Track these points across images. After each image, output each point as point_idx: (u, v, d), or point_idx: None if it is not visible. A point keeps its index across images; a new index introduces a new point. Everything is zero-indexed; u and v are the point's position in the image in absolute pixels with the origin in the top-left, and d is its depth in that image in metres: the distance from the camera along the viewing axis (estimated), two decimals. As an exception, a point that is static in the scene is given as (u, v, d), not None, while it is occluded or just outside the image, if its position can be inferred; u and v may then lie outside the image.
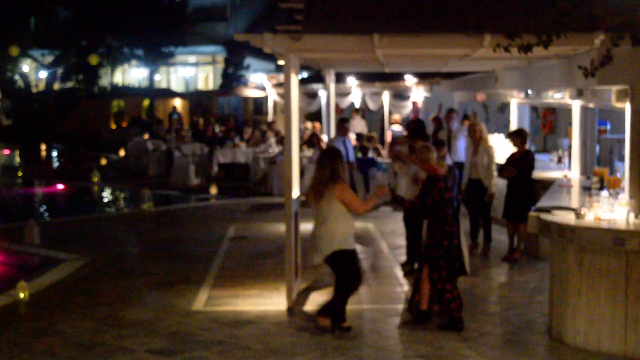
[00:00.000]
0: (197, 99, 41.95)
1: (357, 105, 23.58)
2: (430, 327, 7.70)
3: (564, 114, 15.35)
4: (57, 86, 37.76)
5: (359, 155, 15.87)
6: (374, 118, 26.36)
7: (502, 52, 7.40)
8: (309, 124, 21.56)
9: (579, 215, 7.23)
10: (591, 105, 10.58)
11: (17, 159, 30.90)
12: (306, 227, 12.95)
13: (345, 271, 7.63)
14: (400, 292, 9.10)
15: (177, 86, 47.96)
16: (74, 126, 38.81)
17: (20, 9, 33.97)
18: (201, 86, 48.06)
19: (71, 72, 36.12)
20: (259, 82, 36.13)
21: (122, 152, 28.80)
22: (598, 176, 8.92)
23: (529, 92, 13.10)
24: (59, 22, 38.59)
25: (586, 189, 9.24)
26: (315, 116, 26.31)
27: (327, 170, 7.61)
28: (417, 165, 8.49)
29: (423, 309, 7.84)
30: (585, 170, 11.36)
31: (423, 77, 17.94)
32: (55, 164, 30.16)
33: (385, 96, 21.94)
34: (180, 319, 8.12)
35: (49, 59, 37.26)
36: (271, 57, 12.07)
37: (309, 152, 17.45)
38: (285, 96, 8.68)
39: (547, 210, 7.68)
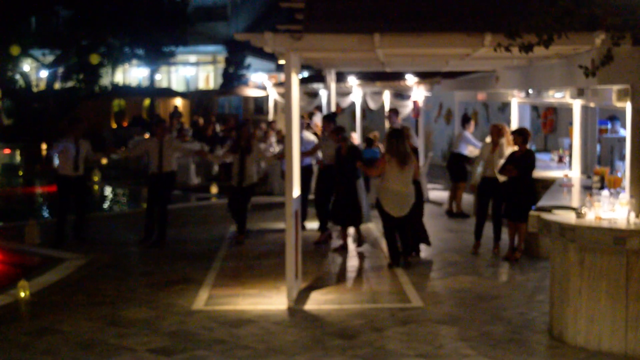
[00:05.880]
0: (197, 98, 41.94)
1: (358, 104, 23.57)
2: (429, 325, 7.73)
3: (564, 113, 15.34)
4: (57, 86, 37.75)
5: (364, 146, 15.85)
6: (375, 117, 26.36)
7: (503, 51, 7.39)
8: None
9: (579, 214, 7.23)
10: (592, 104, 10.58)
11: (18, 159, 30.90)
12: (307, 225, 13.00)
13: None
14: (400, 292, 9.10)
15: (177, 86, 47.97)
16: (74, 125, 38.77)
17: (21, 9, 33.95)
18: (202, 86, 48.07)
19: (72, 71, 36.10)
20: (259, 82, 36.11)
21: (122, 152, 28.75)
22: (599, 175, 8.91)
23: (530, 91, 13.08)
24: (60, 22, 38.59)
25: (587, 189, 9.24)
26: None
27: (406, 142, 10.01)
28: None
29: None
30: (586, 170, 11.36)
31: (424, 76, 17.89)
32: (56, 163, 30.13)
33: (386, 95, 21.91)
34: (180, 318, 8.13)
35: (50, 58, 37.25)
36: (272, 57, 12.08)
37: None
38: (286, 96, 8.67)
39: (548, 209, 7.68)
